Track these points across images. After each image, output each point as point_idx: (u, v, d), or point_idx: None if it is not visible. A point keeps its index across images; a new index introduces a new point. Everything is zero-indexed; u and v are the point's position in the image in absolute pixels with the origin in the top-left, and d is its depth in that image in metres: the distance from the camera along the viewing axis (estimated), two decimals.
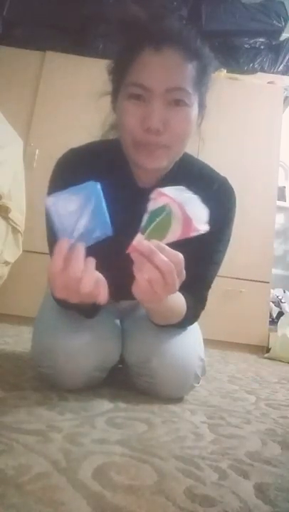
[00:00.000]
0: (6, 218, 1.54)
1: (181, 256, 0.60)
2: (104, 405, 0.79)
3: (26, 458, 0.50)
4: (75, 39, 2.66)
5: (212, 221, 0.82)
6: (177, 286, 0.61)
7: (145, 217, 0.58)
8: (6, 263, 1.67)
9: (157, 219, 0.57)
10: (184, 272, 0.62)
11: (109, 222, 0.57)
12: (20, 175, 1.66)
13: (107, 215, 0.57)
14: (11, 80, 2.52)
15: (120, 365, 0.95)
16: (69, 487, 0.44)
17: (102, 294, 0.60)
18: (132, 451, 0.57)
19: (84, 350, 0.82)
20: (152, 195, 0.59)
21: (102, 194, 0.57)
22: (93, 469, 0.49)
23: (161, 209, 0.57)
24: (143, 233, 0.58)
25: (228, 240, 0.91)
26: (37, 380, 0.91)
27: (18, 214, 1.62)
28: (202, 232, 0.58)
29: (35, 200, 1.76)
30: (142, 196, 0.83)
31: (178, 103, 0.74)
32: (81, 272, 0.57)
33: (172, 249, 0.59)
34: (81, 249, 0.57)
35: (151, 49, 0.73)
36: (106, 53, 2.57)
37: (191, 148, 0.95)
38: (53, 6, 2.62)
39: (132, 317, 1.00)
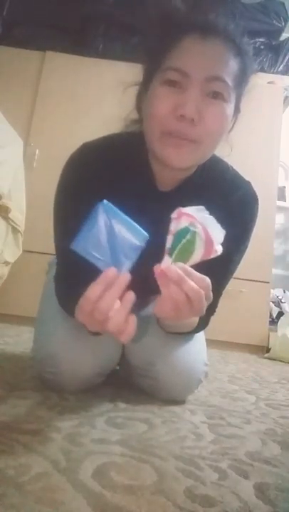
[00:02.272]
0: (6, 218, 1.54)
1: (208, 280, 0.57)
2: (104, 405, 0.79)
3: (26, 458, 0.50)
4: (75, 39, 2.66)
5: (232, 230, 0.78)
6: (204, 309, 0.58)
7: (170, 239, 0.56)
8: (6, 263, 1.67)
9: (183, 240, 0.56)
10: (211, 293, 0.59)
11: (139, 228, 0.55)
12: (21, 175, 1.66)
13: (132, 222, 0.54)
14: (11, 80, 2.51)
15: (118, 367, 0.95)
16: (69, 487, 0.44)
17: (127, 334, 0.55)
18: (132, 451, 0.57)
19: (86, 356, 0.82)
20: (173, 215, 0.56)
21: (114, 207, 0.54)
22: (93, 469, 0.49)
23: (186, 230, 0.56)
24: (170, 255, 0.56)
25: (246, 249, 0.87)
26: (37, 380, 0.91)
27: (18, 214, 1.62)
28: (218, 254, 0.57)
29: (35, 200, 1.76)
30: (162, 201, 0.78)
31: (216, 96, 0.68)
32: (111, 309, 0.53)
33: (199, 273, 0.56)
34: (121, 283, 0.54)
35: (196, 36, 0.69)
36: (106, 53, 2.57)
37: None
38: (53, 6, 2.62)
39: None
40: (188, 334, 0.85)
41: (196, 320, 0.78)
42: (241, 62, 0.71)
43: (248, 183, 0.86)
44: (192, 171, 0.80)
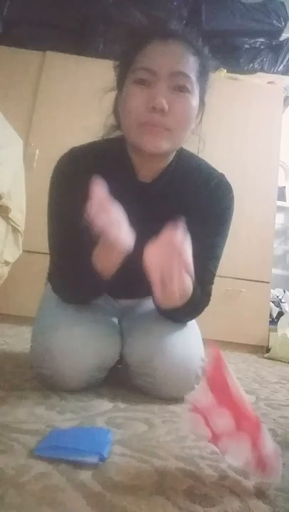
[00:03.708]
0: (6, 218, 1.54)
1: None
2: (104, 405, 0.79)
3: (26, 458, 0.50)
4: (75, 39, 2.66)
5: (210, 215, 0.86)
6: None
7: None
8: (6, 263, 1.66)
9: None
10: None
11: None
12: (20, 175, 1.66)
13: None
14: (11, 80, 2.51)
15: (119, 366, 0.95)
16: (69, 487, 0.44)
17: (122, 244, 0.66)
18: (132, 451, 0.57)
19: (82, 349, 0.82)
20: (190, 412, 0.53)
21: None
22: (93, 469, 0.49)
23: None
24: None
25: (227, 235, 0.93)
26: (37, 380, 0.91)
27: (18, 214, 1.62)
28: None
29: (36, 200, 1.76)
30: (142, 191, 0.89)
31: (181, 89, 0.78)
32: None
33: None
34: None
35: (158, 41, 0.79)
36: (106, 53, 2.57)
37: (190, 149, 0.95)
38: (53, 6, 2.62)
39: (132, 316, 0.99)
40: (183, 316, 0.90)
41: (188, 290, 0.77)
42: (200, 61, 0.82)
43: (222, 174, 0.94)
44: (168, 162, 0.88)
